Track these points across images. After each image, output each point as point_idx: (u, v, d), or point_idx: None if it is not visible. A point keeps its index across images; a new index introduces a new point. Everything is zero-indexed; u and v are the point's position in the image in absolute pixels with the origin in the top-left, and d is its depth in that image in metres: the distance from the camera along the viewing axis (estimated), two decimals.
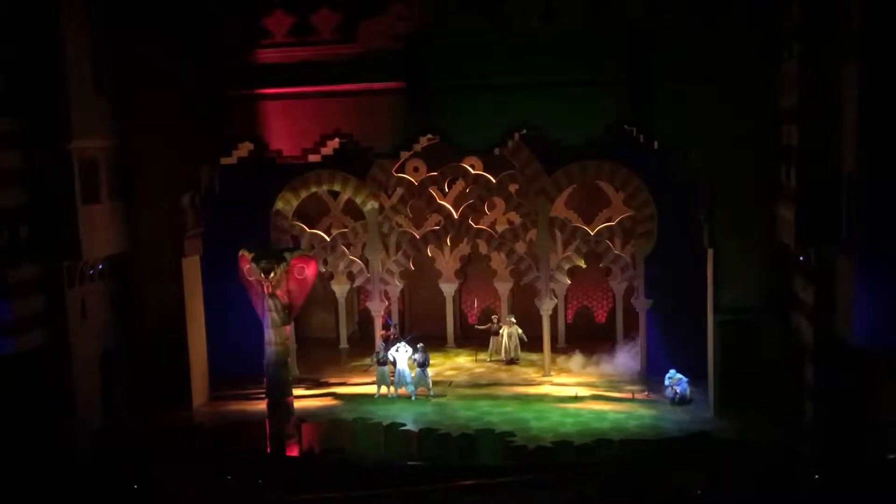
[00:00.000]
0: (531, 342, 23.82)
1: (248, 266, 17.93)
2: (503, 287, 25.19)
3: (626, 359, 22.87)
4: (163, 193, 20.35)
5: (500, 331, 24.08)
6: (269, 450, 18.40)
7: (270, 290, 17.59)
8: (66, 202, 18.40)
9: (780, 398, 18.30)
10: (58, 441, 18.30)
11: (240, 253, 18.10)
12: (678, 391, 20.06)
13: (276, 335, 18.07)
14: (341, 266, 24.32)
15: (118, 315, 20.51)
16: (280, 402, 18.34)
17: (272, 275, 17.37)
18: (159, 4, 19.64)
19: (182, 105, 19.94)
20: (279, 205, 23.05)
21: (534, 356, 23.82)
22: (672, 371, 20.37)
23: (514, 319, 24.02)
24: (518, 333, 23.87)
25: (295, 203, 23.26)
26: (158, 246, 20.46)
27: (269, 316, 17.90)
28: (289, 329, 18.30)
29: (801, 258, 17.16)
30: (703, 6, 18.09)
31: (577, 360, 23.33)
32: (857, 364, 15.63)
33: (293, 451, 18.46)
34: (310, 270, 18.24)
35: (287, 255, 17.90)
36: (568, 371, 22.92)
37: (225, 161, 21.02)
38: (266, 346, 18.16)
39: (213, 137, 20.27)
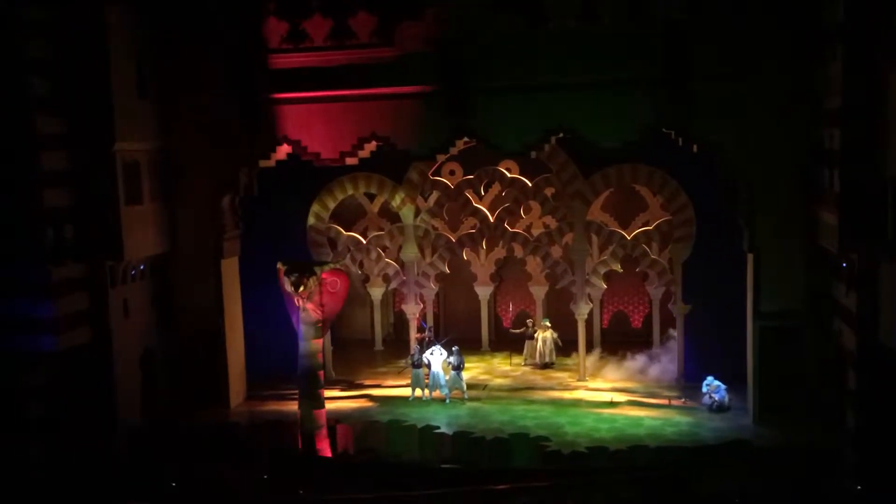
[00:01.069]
0: (566, 346, 23.72)
1: (284, 279, 18.09)
2: (538, 291, 25.10)
3: (644, 365, 22.62)
4: (203, 195, 20.66)
5: (535, 335, 23.99)
6: (300, 447, 18.53)
7: (302, 302, 17.73)
8: (110, 203, 18.77)
9: (822, 405, 17.95)
10: (99, 438, 18.64)
11: (278, 265, 18.27)
12: (716, 399, 19.77)
13: (309, 346, 18.14)
14: (377, 269, 24.43)
15: (159, 315, 20.85)
16: (307, 412, 18.46)
17: (302, 288, 17.52)
18: (201, 9, 19.97)
19: (222, 108, 20.23)
20: (316, 208, 23.23)
21: (568, 360, 23.71)
22: (710, 378, 20.09)
23: (548, 324, 23.92)
24: (553, 338, 23.76)
25: (332, 206, 23.44)
26: (198, 247, 20.78)
27: (303, 328, 18.06)
28: (321, 342, 18.38)
29: (844, 263, 16.83)
30: (745, 5, 17.86)
31: (592, 357, 23.22)
32: None
33: (325, 449, 18.55)
34: (342, 284, 18.35)
35: (318, 268, 18.02)
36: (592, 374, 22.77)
37: (263, 164, 21.27)
38: (299, 358, 18.31)
39: (252, 140, 20.52)
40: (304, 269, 17.97)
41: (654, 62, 18.36)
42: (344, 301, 18.70)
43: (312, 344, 18.21)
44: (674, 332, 22.50)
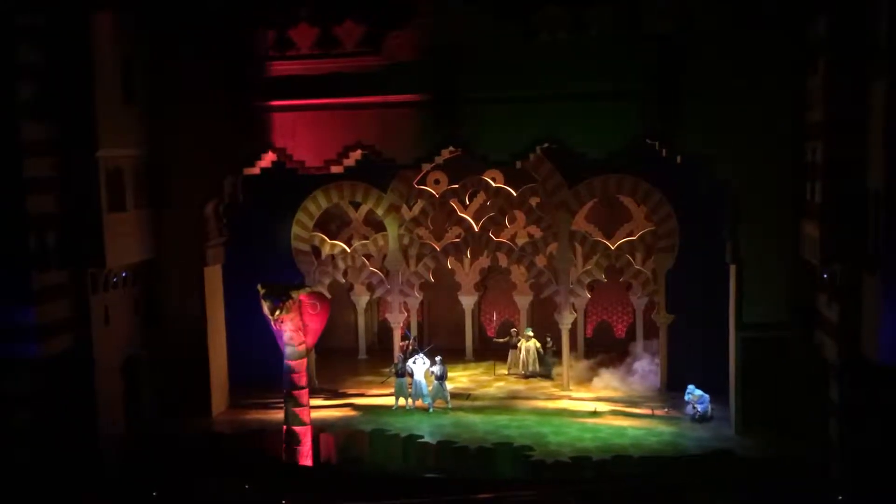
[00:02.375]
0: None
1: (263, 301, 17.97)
2: (523, 300, 25.15)
3: (610, 379, 22.74)
4: (187, 202, 20.53)
5: (518, 345, 24.01)
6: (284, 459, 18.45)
7: (278, 325, 17.67)
8: (93, 210, 18.57)
9: (804, 416, 18.08)
10: (80, 446, 18.43)
11: (258, 287, 18.09)
12: (699, 409, 19.87)
13: (293, 366, 18.07)
14: (361, 277, 24.38)
15: (141, 322, 20.67)
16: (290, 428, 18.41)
17: (277, 313, 17.45)
18: (187, 15, 19.89)
19: (207, 115, 20.15)
20: (301, 216, 23.17)
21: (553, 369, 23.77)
22: (691, 387, 20.19)
23: (531, 333, 23.96)
24: (536, 347, 23.78)
25: (316, 214, 23.38)
26: (182, 254, 20.63)
27: (287, 349, 18.02)
28: (305, 362, 18.32)
29: (826, 275, 17.00)
30: (732, 19, 18.06)
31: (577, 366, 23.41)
32: (883, 382, 15.43)
33: (305, 460, 18.46)
34: (321, 306, 18.26)
35: (294, 292, 17.89)
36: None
37: (248, 171, 21.19)
38: (284, 374, 18.24)
39: (237, 148, 20.44)
40: (280, 292, 17.78)
41: (641, 74, 18.49)
42: (324, 323, 18.59)
43: (295, 365, 18.10)
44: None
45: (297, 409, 18.25)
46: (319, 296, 18.67)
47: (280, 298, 17.46)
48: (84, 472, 17.91)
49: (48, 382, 18.16)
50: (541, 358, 23.80)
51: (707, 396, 19.96)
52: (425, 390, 21.12)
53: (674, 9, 18.21)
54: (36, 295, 17.63)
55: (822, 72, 16.24)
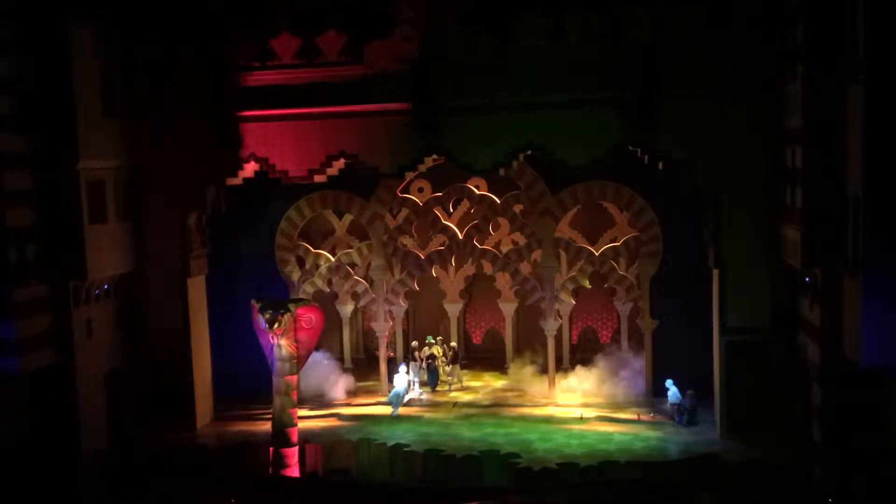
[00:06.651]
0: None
1: (257, 316, 17.87)
2: (508, 308, 25.17)
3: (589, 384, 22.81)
4: (169, 213, 20.45)
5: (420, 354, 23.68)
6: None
7: (276, 340, 17.61)
8: (74, 222, 18.48)
9: (788, 419, 18.20)
10: (63, 461, 18.24)
11: (251, 302, 18.05)
12: (684, 405, 19.93)
13: (283, 384, 17.93)
14: (346, 286, 24.32)
15: (124, 335, 20.52)
16: (278, 451, 18.18)
17: (276, 326, 17.42)
18: (167, 27, 19.84)
19: (189, 126, 20.09)
20: (284, 226, 23.09)
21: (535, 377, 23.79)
22: (669, 381, 20.35)
23: (433, 340, 23.82)
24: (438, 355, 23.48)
25: (300, 223, 23.32)
26: (164, 266, 20.53)
27: (278, 364, 17.90)
28: (296, 378, 18.22)
29: (808, 279, 17.14)
30: (710, 26, 18.23)
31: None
32: (865, 384, 15.56)
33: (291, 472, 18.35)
34: (317, 320, 18.20)
35: (291, 305, 17.87)
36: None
37: (231, 181, 21.12)
38: (274, 395, 18.06)
39: (219, 158, 20.38)
40: (278, 306, 17.78)
41: (621, 82, 18.63)
42: (319, 336, 18.54)
43: (286, 382, 17.92)
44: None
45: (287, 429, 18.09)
46: (315, 309, 18.49)
47: (279, 311, 17.42)
48: (67, 488, 17.71)
49: (30, 397, 17.98)
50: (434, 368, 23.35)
51: (687, 393, 19.99)
52: (398, 401, 20.94)
53: (651, 16, 18.35)
54: (16, 309, 17.49)
55: (799, 77, 16.40)
